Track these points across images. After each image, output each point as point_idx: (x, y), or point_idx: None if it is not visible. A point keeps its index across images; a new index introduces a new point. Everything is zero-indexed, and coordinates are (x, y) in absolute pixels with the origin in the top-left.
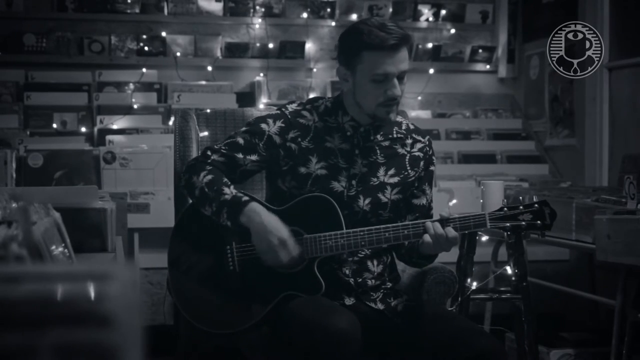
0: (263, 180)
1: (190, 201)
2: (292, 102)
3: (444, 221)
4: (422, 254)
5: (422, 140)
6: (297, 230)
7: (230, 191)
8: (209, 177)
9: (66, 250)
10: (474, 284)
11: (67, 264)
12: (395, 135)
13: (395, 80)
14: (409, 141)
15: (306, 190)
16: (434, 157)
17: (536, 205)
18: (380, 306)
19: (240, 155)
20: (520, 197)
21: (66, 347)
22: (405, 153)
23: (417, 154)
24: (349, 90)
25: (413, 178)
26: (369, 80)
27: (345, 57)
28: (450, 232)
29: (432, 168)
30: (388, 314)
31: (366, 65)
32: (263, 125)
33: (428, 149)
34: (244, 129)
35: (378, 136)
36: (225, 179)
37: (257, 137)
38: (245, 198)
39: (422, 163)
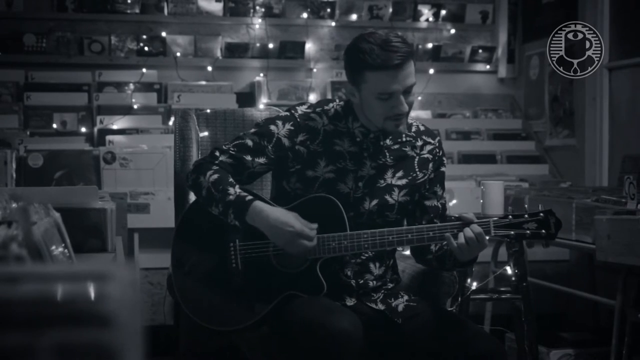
0: (266, 180)
1: (195, 199)
2: (302, 104)
3: (463, 225)
4: (459, 261)
5: (432, 141)
6: None
7: (234, 191)
8: (215, 176)
9: (66, 250)
10: (474, 284)
11: (67, 264)
12: (404, 139)
13: (401, 97)
14: (419, 143)
15: (312, 192)
16: (444, 159)
17: (541, 214)
18: (381, 307)
19: (248, 158)
20: (526, 206)
21: (66, 347)
22: (415, 155)
23: (426, 155)
24: (357, 104)
25: (422, 180)
26: (375, 98)
27: (350, 75)
28: (476, 228)
29: (442, 169)
30: (389, 315)
31: (370, 84)
32: (272, 127)
33: (438, 150)
34: (253, 130)
35: (387, 141)
36: (231, 179)
37: (266, 139)
38: (249, 197)
39: (431, 165)
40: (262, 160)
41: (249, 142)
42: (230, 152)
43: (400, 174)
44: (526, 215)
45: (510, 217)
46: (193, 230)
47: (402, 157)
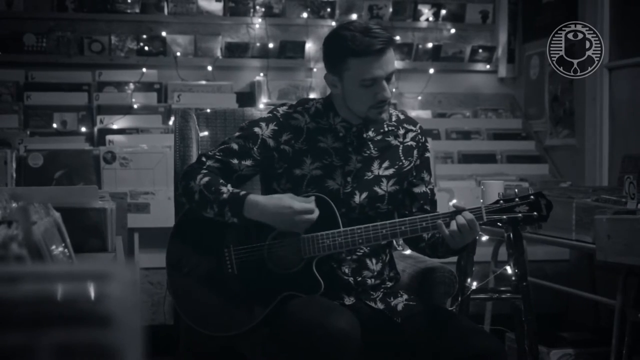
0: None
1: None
2: (282, 105)
3: (455, 213)
4: (451, 248)
5: (414, 128)
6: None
7: (227, 189)
8: (206, 179)
9: (66, 250)
10: (474, 284)
11: (67, 264)
12: (387, 129)
13: (384, 83)
14: (401, 131)
15: (302, 191)
16: (427, 144)
17: (532, 197)
18: (380, 306)
19: (235, 161)
20: (516, 190)
21: (66, 347)
22: (399, 144)
23: (410, 143)
24: (338, 94)
25: (408, 168)
26: (358, 85)
27: (332, 64)
28: (467, 215)
29: (427, 155)
30: (388, 314)
31: (353, 71)
32: (256, 129)
33: (420, 136)
34: (237, 133)
35: (370, 132)
36: (222, 180)
37: (251, 142)
38: (243, 192)
39: (415, 152)
40: (248, 162)
41: (235, 146)
42: (217, 156)
43: (386, 164)
44: (517, 199)
45: (501, 202)
46: (187, 238)
47: (386, 147)
